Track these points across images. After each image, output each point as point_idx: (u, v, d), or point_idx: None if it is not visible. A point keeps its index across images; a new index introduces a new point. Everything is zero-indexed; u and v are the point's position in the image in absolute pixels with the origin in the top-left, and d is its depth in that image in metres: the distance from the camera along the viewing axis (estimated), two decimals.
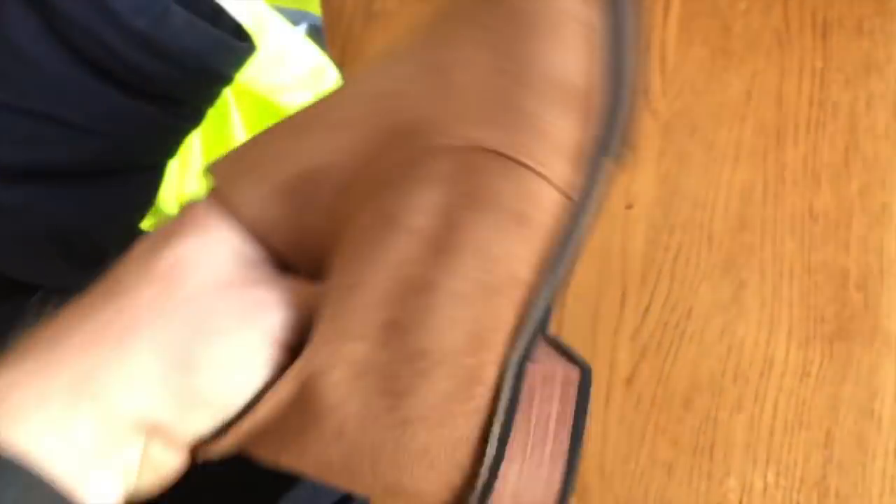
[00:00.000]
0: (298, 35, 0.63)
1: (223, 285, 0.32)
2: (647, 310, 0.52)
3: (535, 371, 0.32)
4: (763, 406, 0.47)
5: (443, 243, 0.31)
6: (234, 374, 0.31)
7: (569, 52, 0.31)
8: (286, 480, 0.42)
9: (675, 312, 0.51)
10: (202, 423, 0.31)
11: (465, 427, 0.30)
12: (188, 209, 0.34)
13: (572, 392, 0.31)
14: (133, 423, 0.30)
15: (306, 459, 0.32)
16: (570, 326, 0.52)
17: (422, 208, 0.31)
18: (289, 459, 0.32)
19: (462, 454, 0.30)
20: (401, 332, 0.31)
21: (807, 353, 0.48)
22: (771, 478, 0.45)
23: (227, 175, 0.34)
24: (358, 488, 0.32)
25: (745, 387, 0.48)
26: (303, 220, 0.33)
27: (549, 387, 0.31)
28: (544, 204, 0.31)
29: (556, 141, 0.31)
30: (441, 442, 0.31)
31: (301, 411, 0.31)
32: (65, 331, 0.31)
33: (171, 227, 0.33)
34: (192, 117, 0.49)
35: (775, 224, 0.53)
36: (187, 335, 0.31)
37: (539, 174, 0.31)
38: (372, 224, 0.32)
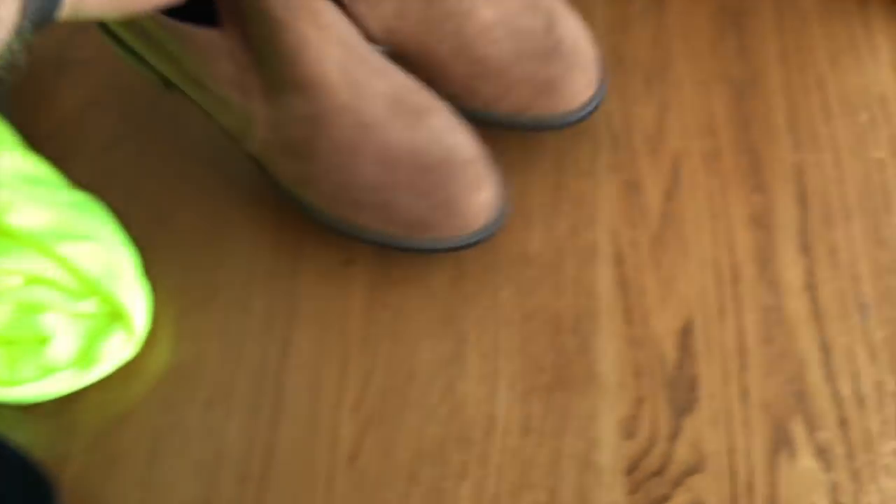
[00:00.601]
0: None
1: None
2: (368, 376, 0.49)
3: None
4: (487, 470, 0.45)
5: None
6: None
7: None
8: None
9: (397, 376, 0.49)
10: None
11: None
12: None
13: None
14: None
15: None
16: (290, 402, 0.48)
17: None
18: None
19: None
20: None
21: (528, 407, 0.47)
22: None
23: None
24: None
25: (469, 451, 0.46)
26: None
27: None
28: None
29: None
30: None
31: None
32: None
33: None
34: None
35: (492, 270, 0.52)
36: None
37: None
38: None
